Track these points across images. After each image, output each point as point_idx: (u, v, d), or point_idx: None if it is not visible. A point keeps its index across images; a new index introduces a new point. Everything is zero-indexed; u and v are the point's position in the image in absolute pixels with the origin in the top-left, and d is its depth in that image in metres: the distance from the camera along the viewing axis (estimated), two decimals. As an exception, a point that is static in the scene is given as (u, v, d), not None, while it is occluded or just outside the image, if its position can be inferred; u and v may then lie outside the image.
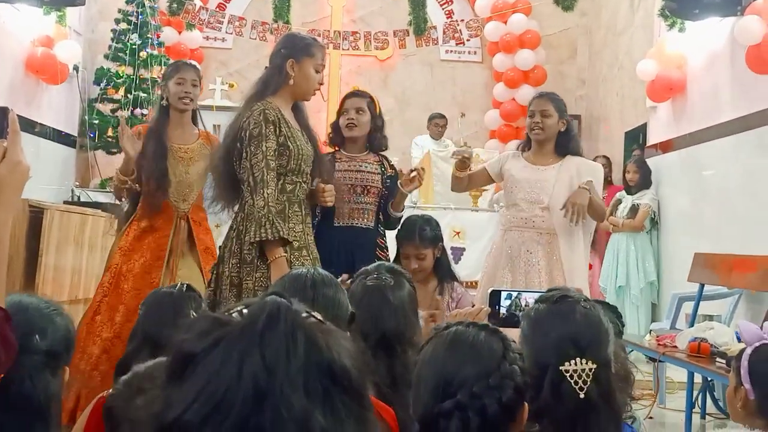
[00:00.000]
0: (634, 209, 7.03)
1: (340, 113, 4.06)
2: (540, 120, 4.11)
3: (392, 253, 4.05)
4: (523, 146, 4.31)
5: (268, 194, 3.18)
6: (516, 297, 2.31)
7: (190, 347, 0.87)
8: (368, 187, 3.98)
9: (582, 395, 1.64)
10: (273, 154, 3.24)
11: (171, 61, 9.01)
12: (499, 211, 4.13)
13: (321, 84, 3.53)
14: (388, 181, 4.06)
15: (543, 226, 4.07)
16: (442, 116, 8.97)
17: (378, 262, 2.53)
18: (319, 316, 0.94)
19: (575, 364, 1.65)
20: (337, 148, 4.11)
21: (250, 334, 0.87)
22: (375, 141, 4.09)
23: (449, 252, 4.21)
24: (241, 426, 0.82)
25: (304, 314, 0.92)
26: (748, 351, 2.04)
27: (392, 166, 4.16)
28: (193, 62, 4.23)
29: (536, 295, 1.94)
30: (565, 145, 4.16)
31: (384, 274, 2.41)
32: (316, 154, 3.48)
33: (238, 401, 0.82)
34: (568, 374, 1.65)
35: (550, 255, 4.06)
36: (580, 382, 1.64)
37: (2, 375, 1.41)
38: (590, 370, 1.65)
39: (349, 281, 2.54)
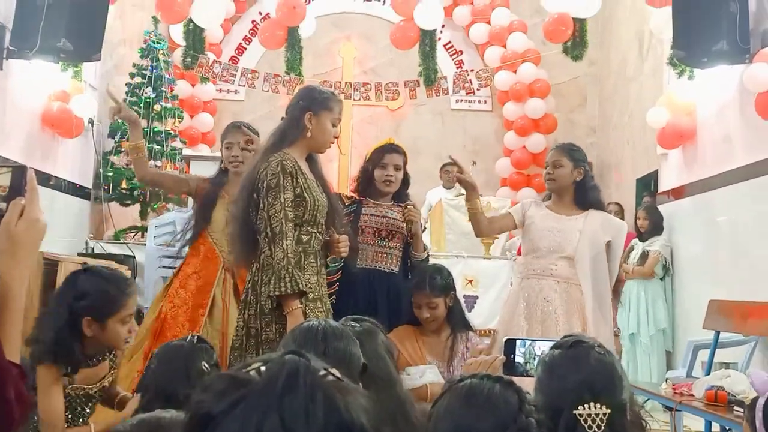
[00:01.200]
0: (644, 256, 7.01)
1: (376, 164, 4.11)
2: (552, 171, 4.15)
3: None
4: (545, 196, 4.36)
5: (287, 246, 3.19)
6: (530, 345, 2.30)
7: (207, 408, 0.87)
8: (393, 232, 4.06)
9: None
10: (290, 206, 3.25)
11: (183, 113, 9.15)
12: (513, 258, 4.14)
13: (337, 137, 3.56)
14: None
15: (562, 275, 4.07)
16: (453, 163, 8.93)
17: (346, 316, 2.49)
18: (337, 374, 0.94)
19: (589, 408, 1.65)
20: (362, 198, 4.15)
21: (270, 396, 0.86)
22: (401, 193, 4.18)
23: (462, 300, 4.20)
24: None
25: (322, 372, 0.92)
26: (762, 401, 2.01)
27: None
28: (244, 123, 4.31)
29: (551, 344, 1.94)
30: (583, 195, 4.18)
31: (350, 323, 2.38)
32: (330, 204, 3.51)
33: None
34: (582, 418, 1.64)
35: (568, 303, 4.05)
36: (594, 426, 1.64)
37: None
38: (604, 414, 1.65)
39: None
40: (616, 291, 4.27)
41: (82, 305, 2.55)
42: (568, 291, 4.07)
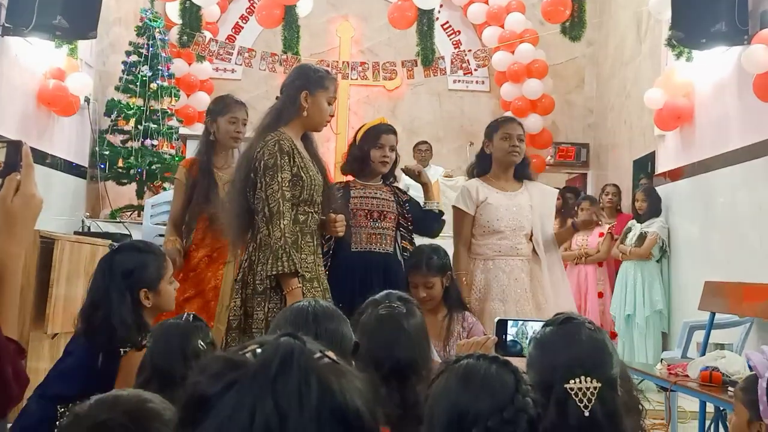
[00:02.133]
0: (642, 237, 7.02)
1: (372, 144, 4.10)
2: (518, 144, 4.17)
3: None
4: (477, 171, 4.32)
5: (284, 225, 3.20)
6: (522, 325, 2.31)
7: (202, 390, 0.87)
8: (385, 212, 4.05)
9: (587, 413, 1.65)
10: (288, 185, 3.26)
11: (180, 92, 9.11)
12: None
13: (332, 116, 3.56)
14: (408, 205, 4.16)
15: (526, 253, 4.16)
16: (425, 142, 9.04)
17: (387, 291, 2.53)
18: (333, 356, 0.94)
19: (580, 382, 1.67)
20: (351, 178, 4.16)
21: (263, 379, 0.87)
22: (389, 174, 4.18)
23: None
24: None
25: (318, 355, 0.92)
26: (764, 384, 1.99)
27: (405, 193, 4.26)
28: (240, 100, 4.31)
29: (541, 323, 1.96)
30: (524, 169, 4.29)
31: (395, 302, 2.41)
32: (325, 184, 3.50)
33: None
34: (572, 392, 1.67)
35: (532, 281, 4.15)
36: (584, 400, 1.66)
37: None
38: (595, 389, 1.67)
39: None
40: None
41: (134, 280, 2.70)
42: (531, 269, 4.17)
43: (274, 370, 0.87)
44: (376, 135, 4.11)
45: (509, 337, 2.30)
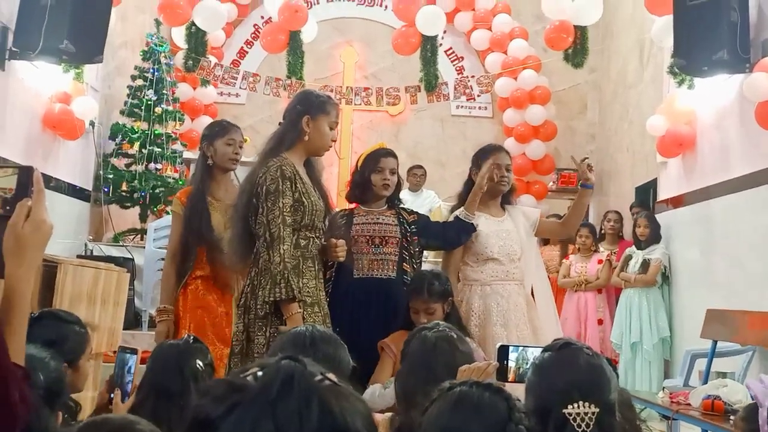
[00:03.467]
0: (645, 264, 7.00)
1: (373, 169, 4.11)
2: (506, 174, 4.25)
3: None
4: (465, 198, 4.27)
5: (284, 250, 3.21)
6: (522, 351, 2.32)
7: (206, 413, 0.88)
8: (387, 238, 4.05)
9: None
10: (289, 210, 3.28)
11: (184, 116, 9.16)
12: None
13: (334, 141, 3.58)
14: (414, 227, 4.15)
15: (520, 278, 4.20)
16: (420, 166, 9.01)
17: (434, 321, 2.55)
18: (334, 378, 0.94)
19: (578, 407, 1.68)
20: (355, 205, 4.17)
21: (264, 401, 0.88)
22: (393, 198, 4.19)
23: None
24: None
25: (319, 377, 0.93)
26: (764, 413, 1.99)
27: (411, 213, 4.25)
28: (234, 123, 4.31)
29: (540, 349, 1.97)
30: (508, 196, 4.38)
31: (445, 327, 2.44)
32: (327, 209, 3.52)
33: None
34: (571, 417, 1.67)
35: (528, 305, 4.19)
36: (582, 425, 1.67)
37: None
38: (593, 413, 1.68)
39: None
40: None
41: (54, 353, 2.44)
42: (526, 293, 4.22)
43: (275, 392, 0.88)
44: (375, 159, 4.12)
45: (511, 363, 2.30)
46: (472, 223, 4.15)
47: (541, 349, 1.95)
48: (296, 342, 2.08)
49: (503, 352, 2.31)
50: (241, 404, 0.88)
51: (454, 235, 4.20)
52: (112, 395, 2.43)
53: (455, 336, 2.41)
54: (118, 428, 1.48)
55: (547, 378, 1.78)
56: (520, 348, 2.33)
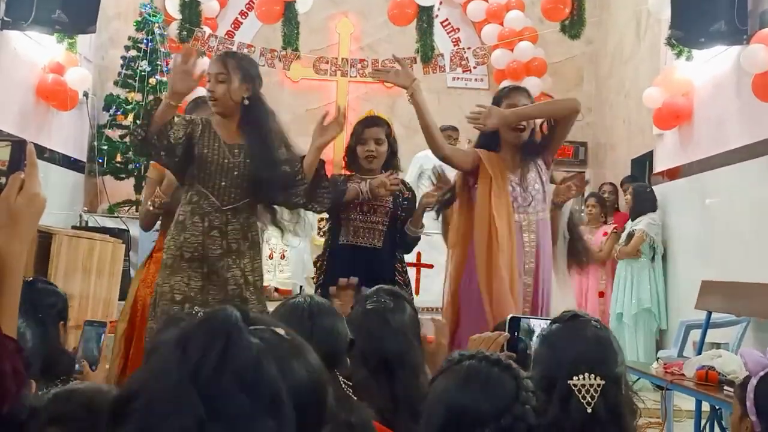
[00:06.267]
0: (630, 236, 7.02)
1: (357, 140, 4.04)
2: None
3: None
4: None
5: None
6: (530, 323, 2.30)
7: (152, 342, 0.98)
8: (375, 206, 3.96)
9: (589, 410, 1.66)
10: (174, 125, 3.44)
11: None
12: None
13: (212, 92, 3.70)
14: (405, 203, 4.07)
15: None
16: (455, 128, 8.19)
17: (377, 286, 2.51)
18: (281, 332, 0.99)
19: (584, 378, 1.68)
20: (353, 173, 4.11)
21: (192, 328, 0.95)
22: (389, 163, 4.09)
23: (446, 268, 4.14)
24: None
25: (254, 328, 0.97)
26: (754, 382, 2.01)
27: (409, 189, 4.17)
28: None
29: (548, 322, 1.97)
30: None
31: (383, 297, 2.41)
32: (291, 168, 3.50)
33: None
34: (576, 388, 1.67)
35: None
36: (587, 396, 1.67)
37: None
38: (598, 385, 1.68)
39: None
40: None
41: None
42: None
43: (201, 325, 0.95)
44: (359, 130, 4.05)
45: (521, 334, 2.27)
46: (418, 236, 4.12)
47: (548, 321, 1.95)
48: (293, 313, 2.08)
49: (514, 323, 2.29)
50: (171, 339, 0.95)
51: (407, 244, 4.15)
52: (78, 367, 2.41)
53: (390, 306, 2.37)
54: (89, 399, 1.48)
55: (554, 349, 1.79)
56: (532, 320, 2.31)
